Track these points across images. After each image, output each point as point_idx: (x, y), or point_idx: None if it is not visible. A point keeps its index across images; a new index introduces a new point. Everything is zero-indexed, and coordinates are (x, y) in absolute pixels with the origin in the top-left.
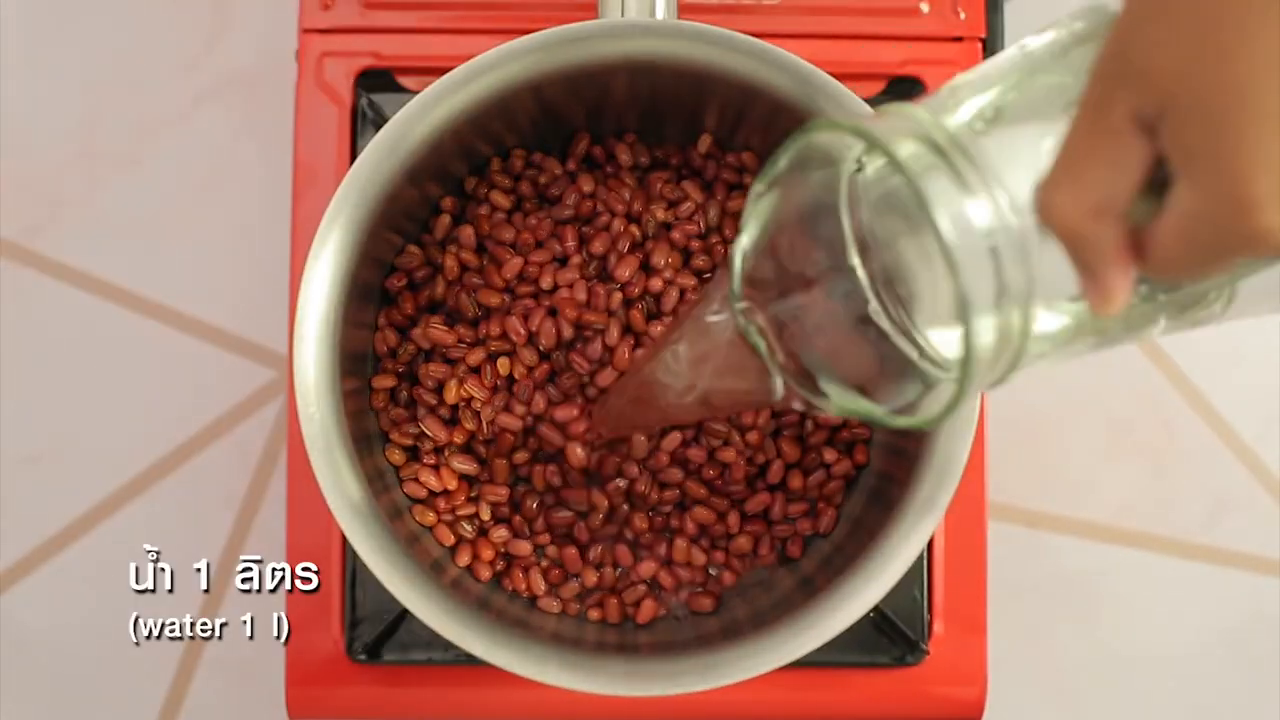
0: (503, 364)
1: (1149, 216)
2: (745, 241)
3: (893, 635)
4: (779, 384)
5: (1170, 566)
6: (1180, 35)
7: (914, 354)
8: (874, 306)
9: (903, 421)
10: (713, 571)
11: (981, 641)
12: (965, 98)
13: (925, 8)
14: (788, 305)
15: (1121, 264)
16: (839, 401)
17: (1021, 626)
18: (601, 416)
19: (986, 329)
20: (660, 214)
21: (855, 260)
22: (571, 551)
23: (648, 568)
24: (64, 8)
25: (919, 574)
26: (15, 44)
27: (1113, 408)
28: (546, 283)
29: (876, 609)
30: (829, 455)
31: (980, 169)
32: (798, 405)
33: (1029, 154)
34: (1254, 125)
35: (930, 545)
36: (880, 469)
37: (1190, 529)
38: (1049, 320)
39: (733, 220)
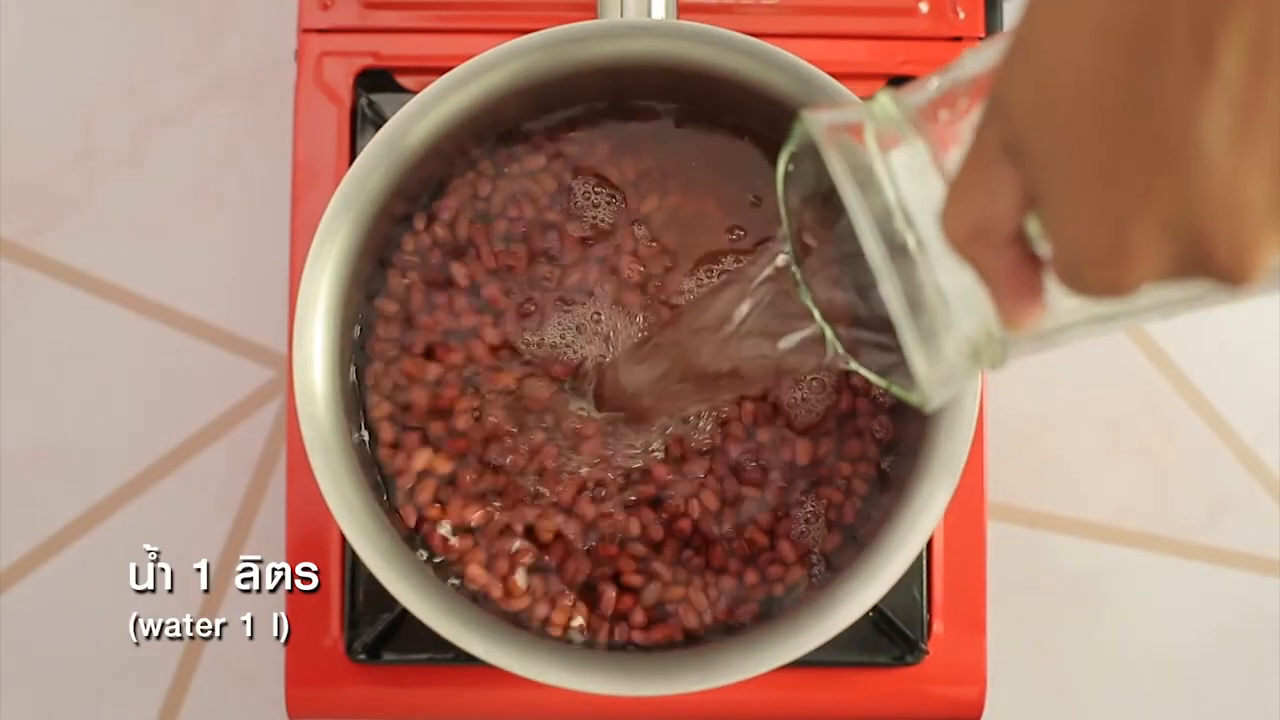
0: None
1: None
2: (788, 208)
3: (892, 635)
4: (831, 347)
5: (1170, 566)
6: (1033, 75)
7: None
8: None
9: (905, 394)
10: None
11: (981, 641)
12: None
13: (924, 7)
14: (837, 272)
15: (1013, 286)
16: (870, 370)
17: (1021, 626)
18: (636, 396)
19: (918, 337)
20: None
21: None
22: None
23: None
24: (64, 8)
25: (918, 573)
26: (15, 44)
27: (1113, 408)
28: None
29: (876, 608)
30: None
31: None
32: (842, 365)
33: None
34: (1090, 179)
35: (930, 545)
36: (881, 468)
37: (1190, 529)
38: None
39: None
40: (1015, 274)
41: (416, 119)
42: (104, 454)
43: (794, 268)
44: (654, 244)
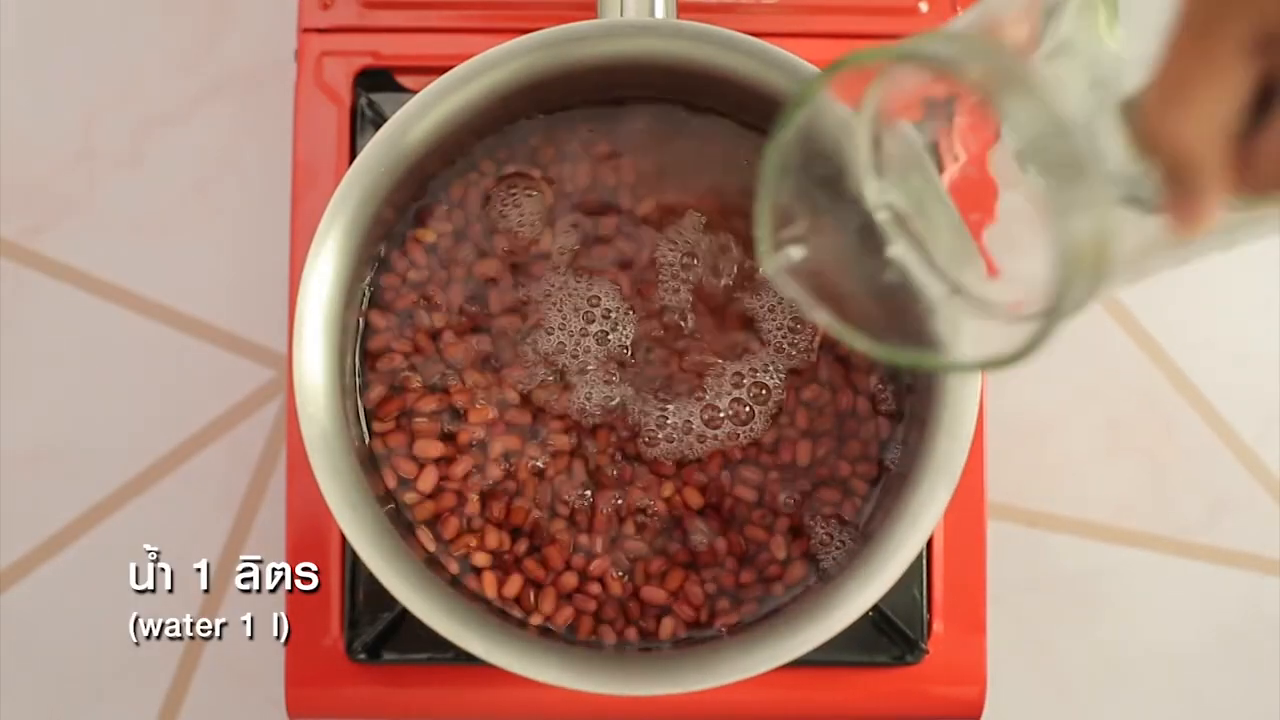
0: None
1: (1242, 130)
2: (770, 194)
3: (892, 634)
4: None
5: (1170, 566)
6: None
7: (952, 297)
8: (897, 250)
9: (956, 366)
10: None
11: (981, 641)
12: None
13: (925, 7)
14: (822, 255)
15: (1221, 187)
16: (880, 352)
17: (1021, 626)
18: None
19: (1078, 247)
20: None
21: (873, 195)
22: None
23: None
24: (64, 8)
25: (918, 573)
26: (15, 44)
27: (1112, 407)
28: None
29: (876, 608)
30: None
31: (1040, 88)
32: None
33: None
34: None
35: (930, 544)
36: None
37: (1190, 528)
38: (1133, 233)
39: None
40: (1224, 176)
41: (416, 119)
42: (104, 454)
43: (776, 267)
44: (654, 244)
